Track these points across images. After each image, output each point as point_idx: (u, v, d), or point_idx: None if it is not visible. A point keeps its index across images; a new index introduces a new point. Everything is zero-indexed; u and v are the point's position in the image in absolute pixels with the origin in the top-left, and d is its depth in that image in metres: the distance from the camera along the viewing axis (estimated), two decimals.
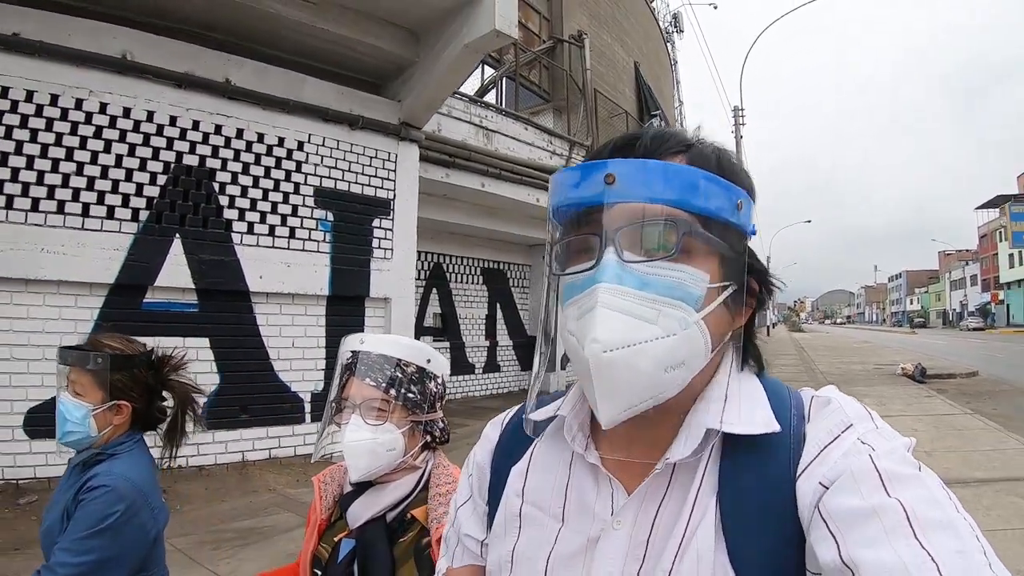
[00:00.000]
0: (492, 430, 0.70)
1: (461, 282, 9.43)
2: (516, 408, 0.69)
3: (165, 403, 1.45)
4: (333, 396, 1.11)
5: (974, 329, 44.77)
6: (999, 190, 52.50)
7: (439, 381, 1.15)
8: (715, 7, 22.97)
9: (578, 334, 0.49)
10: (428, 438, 1.12)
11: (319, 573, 1.09)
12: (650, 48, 14.13)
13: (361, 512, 1.06)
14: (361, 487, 1.08)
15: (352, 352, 1.10)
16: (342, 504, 1.10)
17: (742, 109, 14.00)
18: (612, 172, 0.48)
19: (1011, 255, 44.14)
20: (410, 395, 1.08)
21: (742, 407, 0.52)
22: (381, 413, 1.05)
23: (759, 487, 0.49)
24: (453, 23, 5.23)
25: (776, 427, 0.51)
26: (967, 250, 62.74)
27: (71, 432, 1.32)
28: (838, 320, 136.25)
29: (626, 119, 11.44)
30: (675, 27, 29.22)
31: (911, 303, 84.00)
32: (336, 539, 1.08)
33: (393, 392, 1.06)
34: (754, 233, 0.54)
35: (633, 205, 0.48)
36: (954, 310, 60.38)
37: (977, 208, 50.74)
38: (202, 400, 1.50)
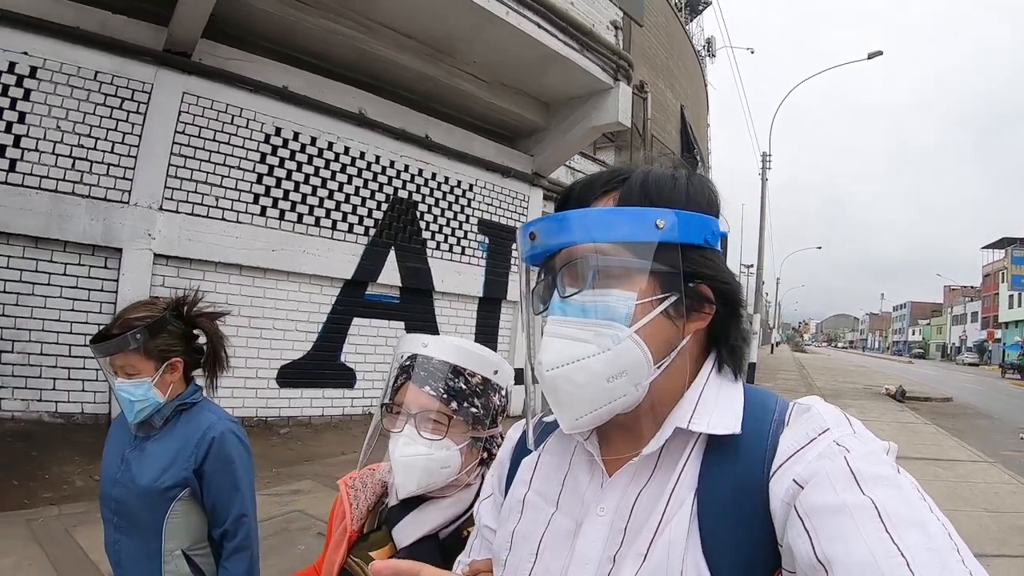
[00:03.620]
0: (514, 431, 0.79)
1: None
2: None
3: (199, 339, 1.54)
4: (385, 399, 1.05)
5: (969, 364, 47.76)
6: (1007, 231, 55.03)
7: (503, 393, 1.09)
8: (752, 51, 25.45)
9: (536, 359, 0.62)
10: (485, 455, 1.06)
11: None
12: (693, 90, 16.56)
13: (412, 531, 1.00)
14: (408, 503, 1.02)
15: (412, 355, 1.04)
16: (389, 518, 1.03)
17: (769, 155, 16.28)
18: (532, 231, 0.62)
19: (1011, 296, 46.74)
20: (472, 409, 1.01)
21: (715, 410, 0.59)
22: (438, 426, 0.98)
23: (733, 485, 0.55)
24: (582, 106, 7.61)
25: (737, 429, 0.57)
26: (971, 287, 65.45)
27: (141, 409, 1.41)
28: (839, 344, 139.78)
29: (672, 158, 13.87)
30: (708, 51, 31.72)
31: (913, 333, 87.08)
32: (375, 555, 1.02)
33: (455, 405, 0.99)
34: (708, 240, 0.61)
35: (564, 251, 0.61)
36: (953, 344, 63.14)
37: (983, 247, 53.32)
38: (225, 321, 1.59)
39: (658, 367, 0.59)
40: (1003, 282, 47.96)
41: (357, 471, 1.13)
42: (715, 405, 0.60)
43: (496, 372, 1.07)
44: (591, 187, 0.64)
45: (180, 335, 1.48)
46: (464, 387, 1.02)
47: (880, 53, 16.18)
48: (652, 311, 0.58)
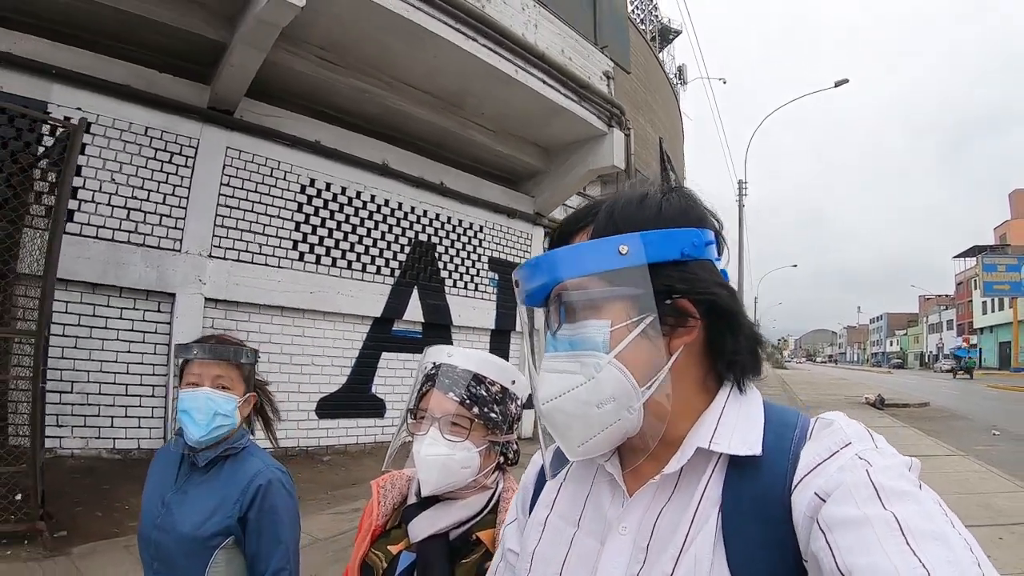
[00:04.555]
0: (539, 456, 0.78)
1: None
2: None
3: None
4: (410, 404, 1.16)
5: (947, 371, 49.32)
6: (977, 238, 57.12)
7: (519, 403, 1.19)
8: (724, 82, 26.97)
9: (534, 395, 0.67)
10: (502, 459, 1.17)
11: None
12: (670, 122, 17.64)
13: (425, 527, 1.08)
14: (427, 500, 1.10)
15: (437, 364, 1.14)
16: (405, 515, 1.13)
17: (745, 183, 17.44)
18: (516, 278, 0.68)
19: (984, 302, 48.18)
20: (492, 415, 1.11)
21: (736, 429, 0.61)
22: (460, 429, 1.08)
23: (756, 500, 0.57)
24: (579, 151, 8.44)
25: (757, 451, 0.59)
26: (946, 295, 66.60)
27: (221, 425, 1.43)
28: (818, 359, 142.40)
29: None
30: (680, 79, 33.29)
31: (891, 344, 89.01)
32: (392, 549, 1.11)
33: (476, 410, 1.09)
34: (686, 253, 0.62)
35: (553, 290, 0.65)
36: (931, 352, 64.77)
37: (955, 257, 54.83)
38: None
39: (647, 387, 0.61)
40: (976, 289, 49.33)
41: (388, 474, 1.23)
42: (736, 424, 0.62)
43: (514, 382, 1.18)
44: (569, 225, 0.69)
45: (253, 378, 1.56)
46: (485, 394, 1.12)
47: (846, 81, 17.47)
48: (629, 334, 0.60)
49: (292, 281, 6.44)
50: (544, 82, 7.19)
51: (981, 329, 50.17)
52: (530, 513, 0.78)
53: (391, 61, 6.54)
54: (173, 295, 5.72)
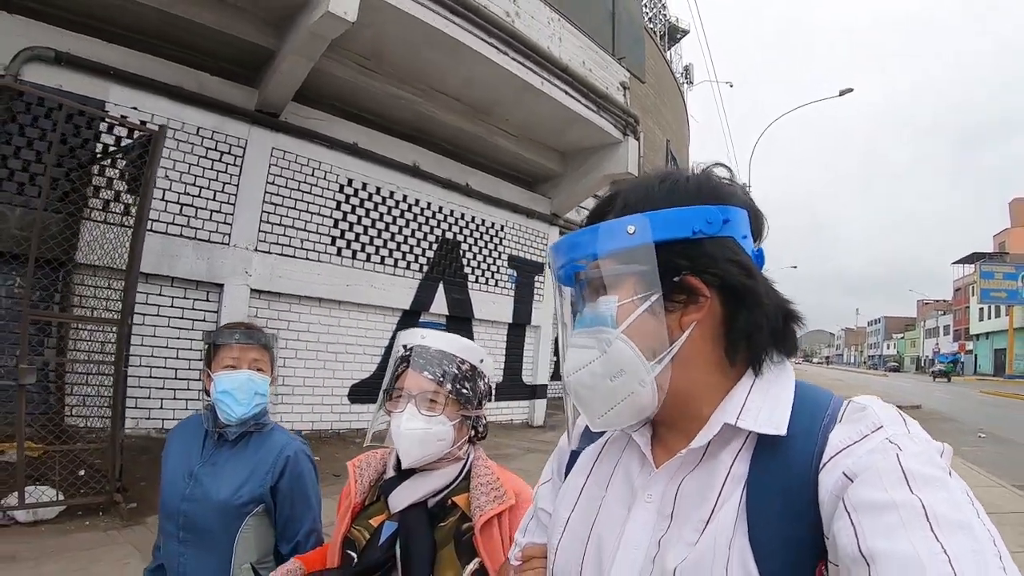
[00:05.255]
0: (581, 420, 0.80)
1: None
2: None
3: None
4: (386, 385, 1.26)
5: (943, 375, 49.97)
6: (977, 246, 57.44)
7: (486, 380, 1.30)
8: (731, 86, 27.48)
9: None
10: (473, 432, 1.27)
11: (353, 555, 1.18)
12: (676, 124, 18.15)
13: (404, 497, 1.18)
14: (403, 474, 1.21)
15: (412, 346, 1.24)
16: (383, 489, 1.22)
17: (749, 186, 17.71)
18: (548, 260, 0.74)
19: (981, 309, 48.41)
20: (463, 391, 1.22)
21: (763, 407, 0.62)
22: (434, 405, 1.18)
23: (783, 478, 0.58)
24: (594, 156, 8.97)
25: (782, 431, 0.60)
26: (944, 300, 67.06)
27: (259, 404, 1.56)
28: (815, 360, 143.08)
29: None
30: (686, 78, 33.62)
31: (888, 348, 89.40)
32: (373, 522, 1.20)
33: (448, 386, 1.19)
34: (699, 231, 0.64)
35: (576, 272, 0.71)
36: (927, 357, 64.51)
37: (954, 263, 55.04)
38: None
39: (658, 362, 0.63)
40: (973, 295, 49.28)
41: (363, 455, 1.32)
42: (763, 402, 0.63)
43: (482, 361, 1.29)
44: (595, 212, 0.73)
45: None
46: (456, 372, 1.22)
47: (851, 90, 17.99)
48: (635, 310, 0.63)
49: (330, 274, 6.96)
50: (567, 93, 7.71)
51: (977, 335, 50.62)
52: (565, 474, 0.83)
53: (427, 71, 7.04)
54: (221, 285, 6.19)
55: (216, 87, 6.19)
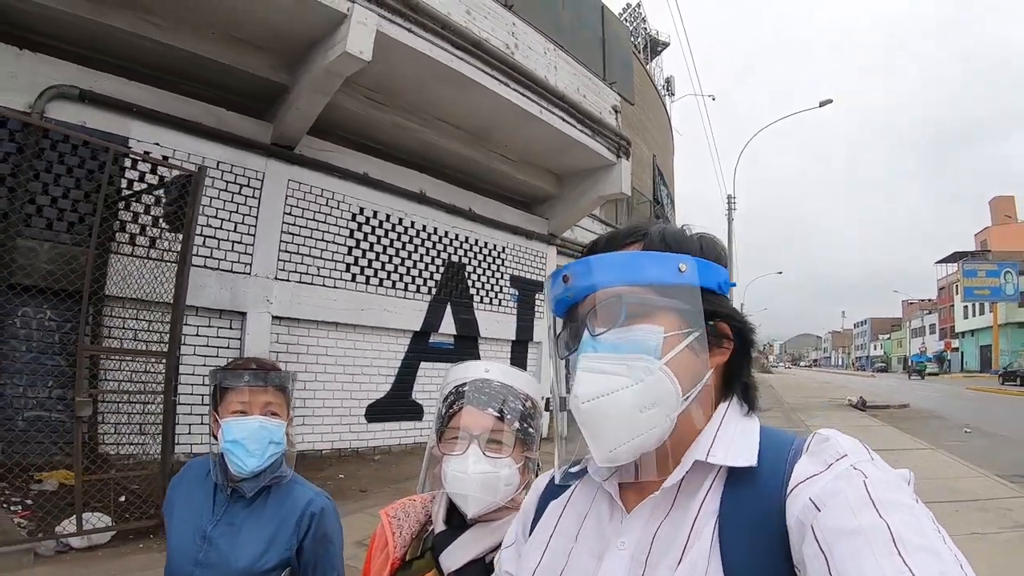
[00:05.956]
0: (541, 480, 0.84)
1: None
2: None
3: None
4: (438, 426, 1.11)
5: (930, 374, 51.10)
6: (958, 245, 58.65)
7: (543, 420, 1.19)
8: (713, 98, 28.31)
9: (571, 394, 0.67)
10: (534, 476, 1.10)
11: None
12: (662, 139, 18.83)
13: (461, 555, 1.04)
14: (456, 527, 1.08)
15: (471, 380, 1.10)
16: (436, 545, 1.08)
17: (734, 198, 18.58)
18: (567, 273, 0.69)
19: (965, 307, 49.16)
20: (530, 430, 1.10)
21: (734, 443, 0.65)
22: (500, 447, 1.05)
23: (753, 509, 0.60)
24: (589, 178, 9.50)
25: (753, 462, 0.62)
26: (928, 300, 67.52)
27: (274, 453, 1.40)
28: (802, 363, 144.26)
29: (650, 207, 16.11)
30: (668, 90, 34.42)
31: (875, 348, 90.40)
32: None
33: (517, 425, 1.07)
34: (721, 287, 0.70)
35: (590, 296, 0.68)
36: (914, 356, 66.93)
37: (937, 262, 55.58)
38: None
39: (686, 398, 0.64)
40: (957, 294, 49.28)
41: (398, 502, 1.20)
42: (733, 438, 0.65)
43: (543, 398, 1.17)
44: (614, 240, 0.73)
45: None
46: (522, 408, 1.09)
47: (830, 101, 18.67)
48: (679, 344, 0.64)
49: (346, 300, 7.36)
50: (563, 119, 8.23)
51: (963, 333, 51.47)
52: (529, 534, 0.80)
53: (433, 102, 7.52)
54: (244, 314, 6.53)
55: (234, 122, 6.51)
